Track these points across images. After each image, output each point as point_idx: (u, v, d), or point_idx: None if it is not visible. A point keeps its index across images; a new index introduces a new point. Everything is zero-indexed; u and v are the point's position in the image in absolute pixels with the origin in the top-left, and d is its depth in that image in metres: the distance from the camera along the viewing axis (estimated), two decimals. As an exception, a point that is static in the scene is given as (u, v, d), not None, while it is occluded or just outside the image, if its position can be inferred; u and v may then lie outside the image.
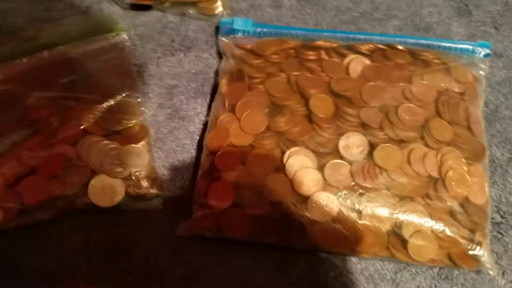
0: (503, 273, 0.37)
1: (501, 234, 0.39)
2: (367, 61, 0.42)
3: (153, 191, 0.40)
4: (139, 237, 0.38)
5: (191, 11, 0.48)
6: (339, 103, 0.40)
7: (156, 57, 0.47)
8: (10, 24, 0.49)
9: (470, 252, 0.36)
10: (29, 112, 0.42)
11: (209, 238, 0.38)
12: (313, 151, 0.38)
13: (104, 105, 0.42)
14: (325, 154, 0.38)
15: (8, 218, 0.38)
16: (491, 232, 0.39)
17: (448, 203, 0.36)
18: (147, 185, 0.40)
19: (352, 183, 0.37)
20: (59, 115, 0.42)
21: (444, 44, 0.45)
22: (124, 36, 0.46)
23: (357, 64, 0.42)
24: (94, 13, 0.47)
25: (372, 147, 0.38)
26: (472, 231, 0.36)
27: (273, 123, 0.39)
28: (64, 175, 0.39)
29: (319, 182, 0.37)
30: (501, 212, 0.40)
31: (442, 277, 0.37)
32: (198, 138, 0.43)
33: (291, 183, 0.37)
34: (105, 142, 0.40)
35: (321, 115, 0.39)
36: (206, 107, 0.44)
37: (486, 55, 0.44)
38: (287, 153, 0.38)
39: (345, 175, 0.37)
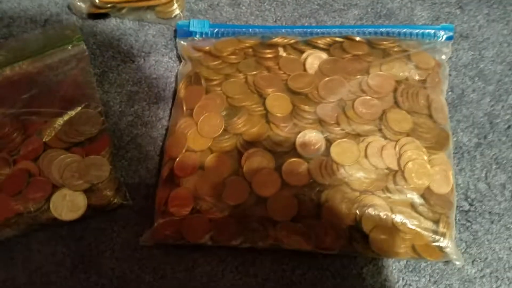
0: (473, 262, 0.37)
1: (470, 222, 0.38)
2: (325, 56, 0.42)
3: (117, 201, 0.40)
4: (105, 248, 0.39)
5: (148, 16, 0.48)
6: (296, 100, 0.39)
7: (116, 65, 0.47)
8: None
9: (434, 244, 0.35)
10: (-7, 131, 0.42)
11: (174, 245, 0.38)
12: (271, 151, 0.38)
13: (64, 117, 0.42)
14: (283, 154, 0.38)
15: (-25, 236, 0.38)
16: (459, 220, 0.38)
17: (409, 195, 0.36)
18: (110, 196, 0.40)
19: (310, 181, 0.36)
20: (21, 131, 0.42)
21: (405, 30, 0.44)
22: (83, 46, 0.46)
23: (314, 59, 0.42)
24: (53, 26, 0.47)
25: (329, 143, 0.37)
26: (436, 222, 0.36)
27: (231, 125, 0.39)
28: (26, 191, 0.39)
29: (277, 182, 0.36)
30: (469, 199, 0.39)
31: (410, 269, 0.37)
32: (161, 144, 0.43)
33: (250, 185, 0.37)
34: (65, 155, 0.40)
35: (278, 114, 0.39)
36: (168, 111, 0.44)
37: (449, 38, 0.44)
38: (245, 155, 0.37)
39: (303, 173, 0.37)
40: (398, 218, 0.35)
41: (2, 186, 0.40)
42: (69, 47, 0.46)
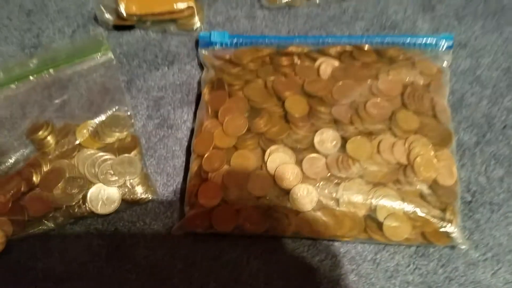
0: (476, 247, 0.41)
1: (472, 211, 0.42)
2: (336, 63, 0.46)
3: (147, 196, 0.43)
4: (137, 239, 0.42)
5: (171, 28, 0.52)
6: (312, 103, 0.43)
7: (142, 72, 0.50)
8: (3, 52, 0.52)
9: (442, 230, 0.39)
10: (28, 133, 0.45)
11: (202, 234, 0.41)
12: (291, 148, 0.41)
13: (96, 120, 0.46)
14: (302, 150, 0.41)
15: (16, 230, 0.41)
16: (463, 210, 0.42)
17: (418, 187, 0.39)
18: (141, 191, 0.43)
19: (328, 174, 0.40)
20: (55, 133, 0.45)
21: (408, 40, 0.48)
22: (110, 55, 0.49)
23: (327, 66, 0.45)
24: (80, 36, 0.50)
25: (344, 140, 0.41)
26: (443, 210, 0.39)
27: (253, 125, 0.42)
28: (64, 188, 0.42)
29: (298, 176, 0.40)
30: (471, 191, 0.43)
31: (419, 254, 0.40)
32: (186, 144, 0.46)
33: (273, 178, 0.40)
34: (100, 154, 0.44)
35: (296, 115, 0.42)
36: (192, 115, 0.48)
37: (449, 47, 0.48)
38: (268, 151, 0.41)
39: (321, 168, 0.40)
40: (409, 207, 0.39)
41: (40, 183, 0.43)
42: (97, 56, 0.49)
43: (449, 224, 0.39)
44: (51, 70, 0.49)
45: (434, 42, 0.48)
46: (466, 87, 0.48)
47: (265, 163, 0.41)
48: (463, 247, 0.39)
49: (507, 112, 0.47)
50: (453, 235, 0.39)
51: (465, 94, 0.48)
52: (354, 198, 0.39)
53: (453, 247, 0.40)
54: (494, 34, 0.51)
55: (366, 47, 0.47)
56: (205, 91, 0.46)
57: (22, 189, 0.42)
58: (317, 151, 0.41)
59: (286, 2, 0.53)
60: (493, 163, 0.44)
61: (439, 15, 0.53)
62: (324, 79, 0.45)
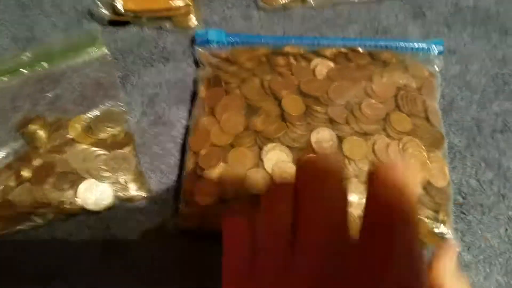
0: (468, 248, 0.41)
1: (464, 213, 0.43)
2: (331, 64, 0.46)
3: (141, 193, 0.43)
4: (131, 236, 0.41)
5: (167, 25, 0.52)
6: (308, 102, 0.44)
7: (137, 69, 0.50)
8: (-5, 45, 0.51)
9: (435, 230, 0.39)
10: (18, 126, 0.44)
11: (196, 232, 0.40)
12: (288, 147, 0.41)
13: (89, 115, 0.45)
14: (299, 149, 0.41)
15: (4, 226, 0.40)
16: (455, 212, 0.43)
17: (412, 187, 0.40)
18: (135, 188, 0.42)
19: (325, 173, 0.40)
20: (47, 127, 0.44)
21: (401, 44, 0.49)
22: (105, 50, 0.49)
23: (322, 67, 0.46)
24: (75, 31, 0.50)
25: (340, 140, 0.42)
26: (436, 211, 0.40)
27: (251, 123, 0.42)
28: (54, 183, 0.41)
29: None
30: (462, 194, 0.44)
31: (412, 255, 0.41)
32: (181, 142, 0.46)
33: (270, 177, 0.40)
34: (93, 149, 0.43)
35: (293, 114, 0.43)
36: (187, 112, 0.48)
37: (440, 52, 0.49)
38: (265, 149, 0.41)
39: (318, 167, 0.40)
40: (403, 207, 0.39)
41: (30, 178, 0.42)
42: (92, 51, 0.49)
43: (442, 225, 0.39)
44: (44, 64, 0.48)
45: (426, 48, 0.49)
46: (456, 91, 0.49)
47: (262, 161, 0.41)
48: (456, 249, 0.40)
49: (496, 117, 0.48)
50: (447, 236, 0.39)
51: (455, 98, 0.49)
52: (350, 197, 0.39)
53: (445, 248, 0.41)
54: (482, 41, 0.53)
55: (361, 49, 0.48)
56: (202, 88, 0.46)
57: (11, 183, 0.42)
58: (313, 150, 0.41)
59: (282, 3, 0.54)
60: (483, 166, 0.45)
61: (429, 21, 0.54)
62: (320, 79, 0.45)
